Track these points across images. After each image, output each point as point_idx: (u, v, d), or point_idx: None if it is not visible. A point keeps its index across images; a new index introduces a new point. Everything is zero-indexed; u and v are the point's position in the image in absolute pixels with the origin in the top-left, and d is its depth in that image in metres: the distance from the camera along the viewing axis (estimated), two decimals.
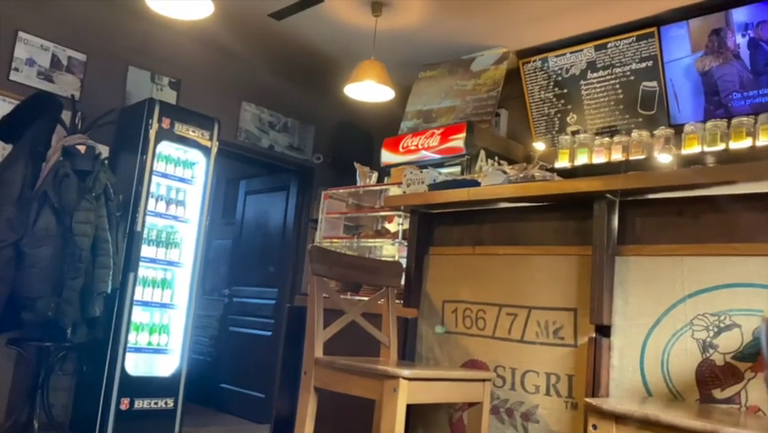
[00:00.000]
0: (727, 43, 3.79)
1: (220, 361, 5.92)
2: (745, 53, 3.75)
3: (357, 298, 3.14)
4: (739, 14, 3.75)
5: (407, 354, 2.45)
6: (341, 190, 4.22)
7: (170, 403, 4.20)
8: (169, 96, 4.90)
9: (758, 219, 1.73)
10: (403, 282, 2.53)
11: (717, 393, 1.71)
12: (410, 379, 1.80)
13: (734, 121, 3.64)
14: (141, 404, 4.06)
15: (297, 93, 5.75)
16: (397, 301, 2.42)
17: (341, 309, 2.21)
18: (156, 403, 4.13)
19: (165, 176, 4.42)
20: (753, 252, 1.70)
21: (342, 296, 3.07)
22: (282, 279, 5.60)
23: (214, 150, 4.58)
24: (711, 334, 1.74)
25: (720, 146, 3.64)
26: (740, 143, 3.55)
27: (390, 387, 1.79)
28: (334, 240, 4.05)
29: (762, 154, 3.44)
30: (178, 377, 4.29)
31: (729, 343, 1.71)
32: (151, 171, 4.25)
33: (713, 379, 1.73)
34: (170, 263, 4.44)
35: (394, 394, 1.78)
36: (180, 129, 4.39)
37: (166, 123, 4.31)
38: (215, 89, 5.21)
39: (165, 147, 4.39)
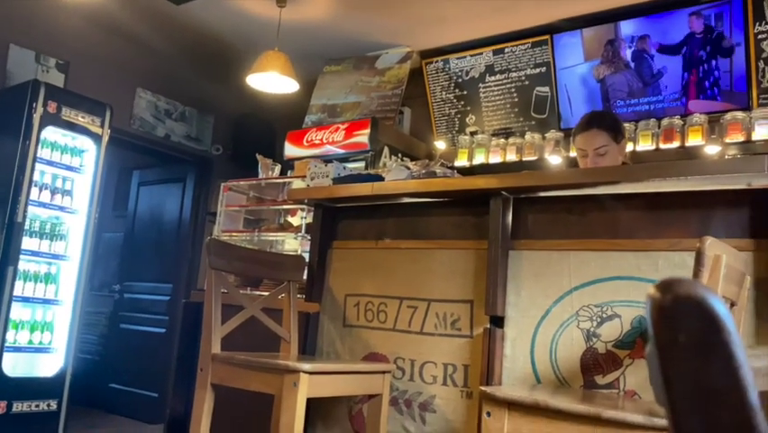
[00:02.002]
0: (620, 53, 4.06)
1: (109, 360, 5.62)
2: (631, 64, 4.03)
3: (257, 293, 3.09)
4: (626, 27, 4.03)
5: (308, 349, 2.44)
6: (242, 182, 4.13)
7: (53, 405, 3.94)
8: (56, 79, 4.58)
9: (637, 217, 1.87)
10: (305, 277, 2.52)
11: (600, 379, 1.84)
12: (310, 373, 1.79)
13: None
14: (20, 407, 3.78)
15: (196, 81, 5.56)
16: (299, 296, 2.41)
17: (240, 305, 2.17)
18: (37, 406, 3.86)
19: (51, 164, 4.13)
20: (632, 247, 1.84)
21: (241, 291, 3.01)
22: (177, 274, 5.40)
23: (106, 137, 4.33)
24: (595, 324, 1.86)
25: None
26: None
27: (290, 381, 1.78)
28: (234, 234, 3.96)
29: (642, 158, 3.72)
30: (62, 377, 4.03)
31: (610, 332, 1.83)
32: (35, 158, 3.96)
33: (596, 366, 1.85)
34: (55, 257, 4.16)
35: (294, 389, 1.77)
36: (68, 114, 4.12)
37: (52, 107, 4.03)
38: (108, 74, 4.94)
39: (51, 133, 4.10)
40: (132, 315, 5.58)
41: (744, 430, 0.30)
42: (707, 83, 3.78)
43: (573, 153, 4.00)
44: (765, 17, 3.60)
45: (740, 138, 3.51)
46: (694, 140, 3.64)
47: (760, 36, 3.62)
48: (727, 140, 3.54)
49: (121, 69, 5.03)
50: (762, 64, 3.63)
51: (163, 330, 5.24)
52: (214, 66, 5.38)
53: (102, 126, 4.30)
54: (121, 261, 5.95)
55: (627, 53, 4.03)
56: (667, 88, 3.91)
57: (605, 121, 2.54)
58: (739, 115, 3.56)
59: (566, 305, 1.92)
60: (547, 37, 4.32)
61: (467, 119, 4.75)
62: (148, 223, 5.82)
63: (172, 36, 4.95)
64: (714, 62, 3.76)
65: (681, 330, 0.31)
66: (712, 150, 3.59)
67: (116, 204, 6.33)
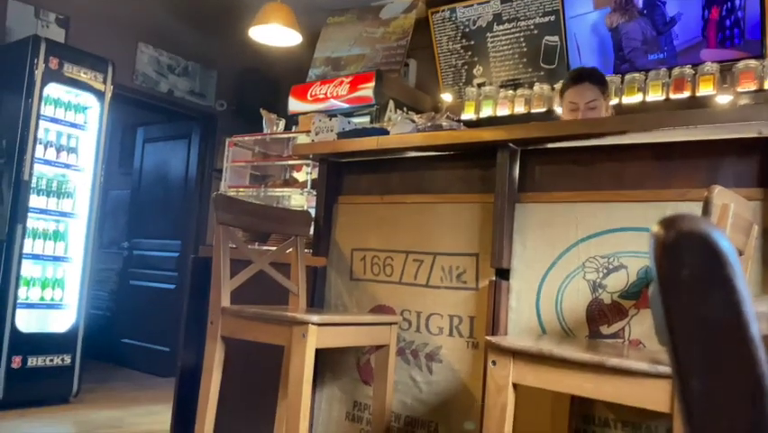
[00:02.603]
0: (633, 0, 3.95)
1: (120, 316, 5.72)
2: (645, 11, 3.93)
3: (265, 247, 3.10)
4: None
5: (316, 303, 2.47)
6: (246, 138, 4.11)
7: (67, 360, 4.04)
8: (57, 35, 4.52)
9: (645, 168, 1.85)
10: (312, 232, 2.53)
11: (605, 329, 1.85)
12: (319, 324, 1.82)
13: (627, 77, 3.84)
14: (34, 362, 3.87)
15: (198, 35, 5.47)
16: (306, 251, 2.42)
17: (248, 260, 2.19)
18: (52, 360, 3.95)
19: (55, 121, 4.11)
20: (639, 198, 1.83)
21: (249, 246, 3.03)
22: (185, 231, 5.43)
23: (109, 94, 4.30)
24: (601, 275, 1.87)
25: (614, 100, 3.83)
26: (632, 98, 3.77)
27: (299, 333, 1.80)
28: (240, 189, 3.97)
29: (651, 108, 3.66)
30: (75, 333, 4.11)
31: (616, 282, 1.84)
32: (38, 116, 3.95)
33: (601, 316, 1.86)
34: (63, 214, 4.19)
35: (303, 340, 1.79)
36: (70, 70, 4.08)
37: (54, 63, 3.99)
38: (109, 29, 4.87)
39: (53, 90, 4.07)
40: (142, 271, 5.65)
41: (745, 363, 0.30)
42: (727, 27, 3.66)
43: None
44: None
45: (752, 87, 3.44)
46: (705, 89, 3.57)
47: None
48: (740, 89, 3.47)
49: (121, 23, 4.96)
50: None
51: (173, 286, 5.31)
52: (216, 19, 5.29)
53: (105, 82, 4.27)
54: (129, 218, 5.99)
55: (640, 1, 3.93)
56: (678, 37, 3.82)
57: (595, 76, 2.61)
58: (752, 63, 3.48)
59: (572, 256, 1.92)
60: None
61: (474, 70, 4.67)
62: (154, 180, 5.83)
63: None
64: (737, 6, 3.63)
65: (685, 265, 0.30)
66: (724, 99, 3.52)
67: (122, 161, 6.33)
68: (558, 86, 4.12)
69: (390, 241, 2.34)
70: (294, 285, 2.27)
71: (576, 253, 1.91)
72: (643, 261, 1.82)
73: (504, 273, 2.02)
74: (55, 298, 4.14)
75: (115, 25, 4.91)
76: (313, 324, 1.80)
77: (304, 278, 2.30)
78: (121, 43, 4.94)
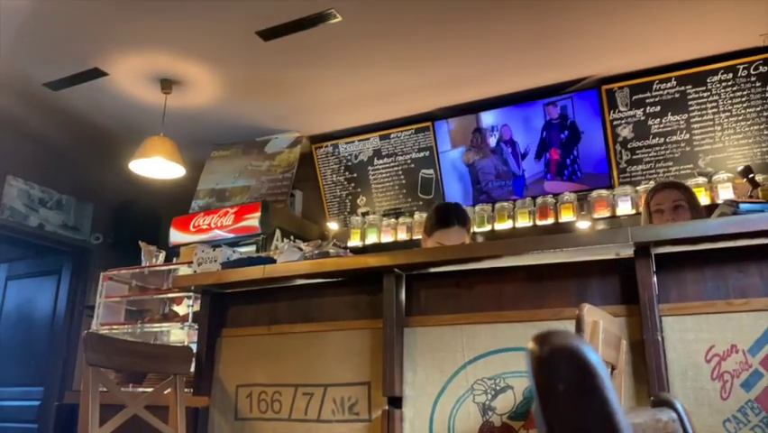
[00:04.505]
0: (486, 140, 4.39)
1: None
2: (496, 150, 4.39)
3: (141, 389, 2.87)
4: (487, 117, 4.40)
5: None
6: (123, 271, 3.91)
7: None
8: None
9: (522, 288, 1.95)
10: (193, 369, 2.38)
11: None
12: None
13: (497, 205, 4.17)
14: None
15: (74, 168, 5.30)
16: (186, 390, 2.26)
17: (121, 404, 2.00)
18: None
19: None
20: (518, 318, 1.91)
21: (123, 388, 2.78)
22: (49, 376, 4.92)
23: None
24: (489, 397, 1.89)
25: (487, 227, 4.12)
26: (503, 225, 4.07)
27: None
28: (115, 327, 3.70)
29: (521, 233, 3.95)
30: None
31: (505, 404, 1.86)
32: None
33: None
34: None
35: None
36: None
37: None
38: None
39: None
40: None
41: None
42: (567, 164, 4.15)
43: None
44: (618, 106, 4.03)
45: (606, 213, 3.84)
46: (566, 216, 3.93)
47: (615, 122, 4.04)
48: (595, 215, 3.85)
49: None
50: (619, 147, 4.03)
51: None
52: (95, 152, 5.18)
53: None
54: None
55: (492, 141, 4.39)
56: (526, 171, 4.27)
57: (462, 217, 2.60)
58: (603, 192, 3.90)
59: (461, 379, 1.93)
60: (429, 123, 4.57)
61: (358, 200, 4.85)
62: (15, 320, 5.32)
63: (49, 122, 4.73)
64: (572, 147, 4.15)
65: (560, 379, 0.32)
66: (583, 225, 3.88)
67: None
68: None
69: (278, 374, 2.25)
70: (172, 430, 2.09)
71: (465, 376, 1.93)
72: (526, 380, 1.87)
73: (396, 401, 1.99)
74: None
75: None
76: None
77: (184, 421, 2.13)
78: None
